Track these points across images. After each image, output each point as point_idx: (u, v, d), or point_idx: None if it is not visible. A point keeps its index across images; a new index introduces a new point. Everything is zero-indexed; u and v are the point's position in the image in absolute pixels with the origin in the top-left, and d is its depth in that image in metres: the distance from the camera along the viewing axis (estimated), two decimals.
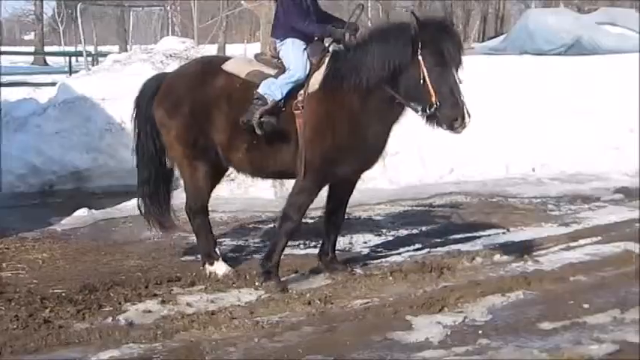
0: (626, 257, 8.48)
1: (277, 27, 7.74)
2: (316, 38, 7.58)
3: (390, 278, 7.59)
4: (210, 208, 8.38)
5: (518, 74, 17.87)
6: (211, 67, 7.80)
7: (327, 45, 7.57)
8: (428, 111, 7.01)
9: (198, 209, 7.81)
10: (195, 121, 7.54)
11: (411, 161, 13.02)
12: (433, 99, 6.94)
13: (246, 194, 11.41)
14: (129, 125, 12.45)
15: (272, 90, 7.28)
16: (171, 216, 8.26)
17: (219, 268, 7.70)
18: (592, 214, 10.77)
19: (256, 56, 7.99)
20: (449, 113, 6.94)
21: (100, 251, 8.59)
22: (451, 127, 7.03)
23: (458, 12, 62.27)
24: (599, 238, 9.35)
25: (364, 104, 7.31)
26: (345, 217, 9.35)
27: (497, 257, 8.38)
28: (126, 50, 26.44)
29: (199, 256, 8.04)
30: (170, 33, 38.43)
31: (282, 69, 7.44)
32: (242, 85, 7.49)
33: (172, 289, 7.22)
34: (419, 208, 10.96)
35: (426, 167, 12.87)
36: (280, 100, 7.27)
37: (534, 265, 8.18)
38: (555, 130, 15.26)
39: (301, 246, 8.90)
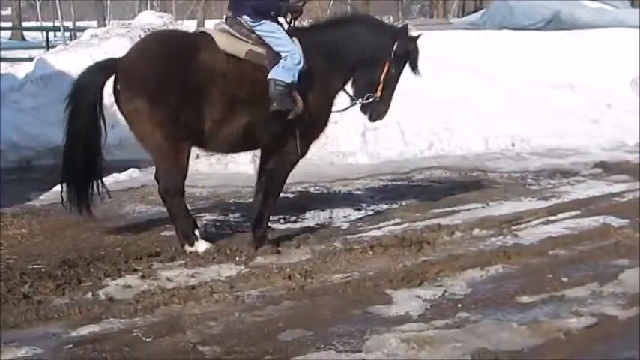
0: (604, 231, 8.54)
1: (243, 5, 7.80)
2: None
3: (370, 252, 7.60)
4: (189, 184, 8.39)
5: (497, 49, 17.93)
6: (192, 44, 7.65)
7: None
8: (366, 100, 8.24)
9: (178, 190, 7.66)
10: (189, 102, 7.35)
11: (391, 136, 13.03)
12: (378, 94, 8.21)
13: (225, 170, 11.41)
14: (107, 100, 12.38)
15: (286, 75, 7.57)
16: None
17: (200, 246, 7.62)
18: (571, 189, 10.82)
19: (222, 27, 7.93)
20: (381, 110, 8.37)
21: (79, 226, 8.50)
22: (372, 118, 8.54)
23: None
24: (578, 212, 9.40)
25: (337, 82, 8.19)
26: (325, 192, 9.42)
27: (476, 231, 8.40)
28: (104, 25, 26.26)
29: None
30: (149, 8, 38.21)
31: (265, 46, 7.69)
32: (244, 65, 7.63)
33: (152, 264, 7.19)
34: (398, 183, 10.99)
35: (405, 142, 12.90)
36: (292, 84, 7.59)
37: (513, 239, 8.22)
38: (534, 105, 15.33)
39: (281, 221, 8.92)
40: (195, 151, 10.23)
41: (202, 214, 9.10)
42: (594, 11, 25.29)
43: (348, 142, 10.66)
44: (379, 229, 8.61)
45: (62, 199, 7.93)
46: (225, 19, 8.08)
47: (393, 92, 8.40)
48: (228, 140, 7.73)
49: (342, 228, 8.71)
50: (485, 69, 16.93)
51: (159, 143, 7.47)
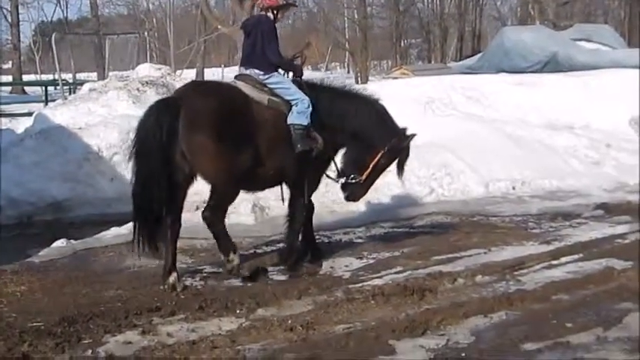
0: (607, 274, 8.50)
1: (256, 61, 8.75)
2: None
3: (372, 302, 7.56)
4: (190, 235, 8.47)
5: (495, 92, 17.97)
6: (236, 91, 8.57)
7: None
8: (350, 180, 9.15)
9: (224, 217, 8.56)
10: (244, 140, 8.17)
11: (391, 182, 12.98)
12: (364, 177, 9.12)
13: (226, 220, 11.34)
14: (106, 153, 12.50)
15: (301, 119, 8.56)
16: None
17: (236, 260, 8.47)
18: (573, 231, 10.77)
19: (242, 79, 8.78)
20: (360, 193, 9.40)
21: (79, 282, 8.46)
22: (348, 198, 9.49)
23: (435, 30, 62.70)
24: (581, 255, 9.36)
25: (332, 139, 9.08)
26: (326, 241, 9.41)
27: (479, 278, 8.36)
28: (104, 77, 26.36)
29: (180, 284, 8.09)
30: (148, 58, 38.41)
31: (278, 96, 8.66)
32: (269, 111, 8.54)
33: (152, 319, 7.14)
34: (400, 230, 10.93)
35: (405, 188, 12.84)
36: (310, 125, 8.60)
37: (516, 284, 8.18)
38: (534, 147, 15.33)
39: (282, 272, 8.86)
40: (195, 202, 10.28)
41: (203, 267, 9.05)
42: (591, 52, 25.41)
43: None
44: (381, 277, 8.57)
45: (133, 240, 8.19)
46: (236, 76, 8.92)
47: (374, 181, 9.36)
48: (264, 179, 8.67)
49: (344, 277, 8.66)
50: (484, 112, 16.98)
51: (222, 174, 8.15)
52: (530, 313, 7.22)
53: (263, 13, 9.01)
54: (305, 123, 8.56)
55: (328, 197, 11.74)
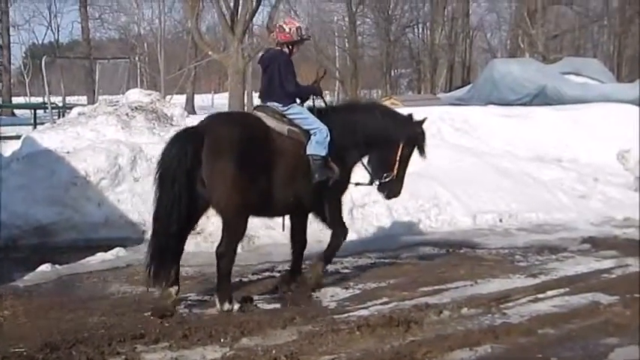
0: (593, 308, 8.50)
1: (275, 93, 9.13)
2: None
3: (358, 333, 7.51)
4: None
5: (484, 124, 18.03)
6: (257, 122, 8.85)
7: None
8: (384, 179, 9.65)
9: (233, 253, 8.49)
10: (264, 173, 8.45)
11: (379, 213, 13.01)
12: (394, 172, 9.60)
13: (212, 248, 11.19)
14: (94, 178, 12.45)
15: (319, 149, 8.93)
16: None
17: (235, 304, 8.34)
18: (559, 265, 10.78)
19: (261, 110, 9.17)
20: (397, 189, 9.79)
21: (63, 308, 8.40)
22: (388, 197, 9.95)
23: (425, 60, 62.89)
24: (567, 289, 9.35)
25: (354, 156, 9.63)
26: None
27: (464, 310, 8.33)
28: (94, 101, 26.33)
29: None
30: (138, 84, 38.43)
31: (297, 126, 9.01)
32: (290, 142, 8.85)
33: (136, 347, 7.09)
34: (386, 260, 10.90)
35: (393, 218, 12.86)
36: (327, 156, 8.96)
37: (502, 317, 8.15)
38: (521, 180, 15.37)
39: (267, 301, 8.83)
40: None
41: (188, 294, 8.98)
42: (580, 86, 25.55)
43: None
44: (367, 308, 8.52)
45: (147, 264, 8.27)
46: (256, 107, 9.46)
47: (405, 172, 9.79)
48: (285, 205, 8.94)
49: (329, 307, 8.63)
50: (472, 144, 17.04)
51: (235, 201, 8.27)
52: (515, 347, 7.20)
53: (278, 48, 9.36)
54: (323, 154, 8.94)
55: (314, 227, 11.72)
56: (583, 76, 27.10)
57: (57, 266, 10.22)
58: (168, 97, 31.44)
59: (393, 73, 64.57)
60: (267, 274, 9.74)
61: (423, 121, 9.90)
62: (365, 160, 9.74)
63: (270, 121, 8.89)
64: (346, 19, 61.22)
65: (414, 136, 9.75)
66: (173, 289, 8.31)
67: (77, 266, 10.35)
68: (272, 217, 10.14)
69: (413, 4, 64.70)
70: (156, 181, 8.29)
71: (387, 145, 9.60)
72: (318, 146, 8.94)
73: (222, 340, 7.27)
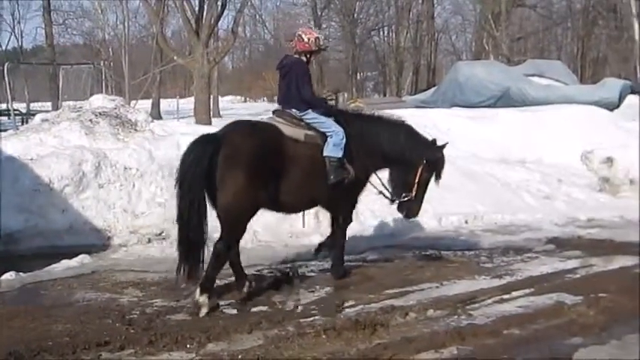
0: (558, 309, 8.56)
1: (293, 100, 9.65)
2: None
3: (324, 336, 7.53)
4: (141, 268, 8.38)
5: (449, 126, 18.10)
6: (273, 132, 9.22)
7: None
8: (403, 199, 10.14)
9: (232, 247, 8.94)
10: (273, 181, 8.86)
11: None
12: (412, 193, 10.08)
13: (170, 252, 11.25)
14: (57, 185, 12.34)
15: (336, 151, 9.44)
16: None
17: (204, 302, 8.43)
18: (524, 266, 10.84)
19: (279, 115, 9.69)
20: (415, 209, 10.27)
21: (27, 316, 8.30)
22: (407, 216, 10.42)
23: (391, 63, 63.12)
24: (532, 289, 9.41)
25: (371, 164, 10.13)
26: (279, 274, 9.40)
27: (430, 312, 8.36)
28: (58, 107, 26.13)
29: (130, 317, 8.02)
30: (103, 89, 38.15)
31: (314, 129, 9.54)
32: (305, 146, 9.34)
33: (101, 354, 7.05)
34: (352, 263, 10.88)
35: (359, 222, 12.87)
36: (343, 157, 9.48)
37: (468, 319, 8.19)
38: (486, 182, 15.44)
39: (232, 306, 8.80)
40: (147, 235, 10.20)
41: (153, 300, 8.95)
42: (544, 88, 25.72)
43: (302, 223, 10.62)
44: (333, 311, 8.54)
45: (178, 267, 8.66)
46: (274, 112, 9.85)
47: (424, 194, 10.27)
48: (300, 205, 9.68)
49: (296, 311, 8.61)
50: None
51: (241, 206, 8.67)
52: (481, 348, 7.24)
53: (297, 56, 9.86)
54: (339, 155, 9.46)
55: (281, 230, 11.74)
56: (547, 78, 27.31)
57: (21, 274, 10.10)
58: (133, 102, 31.31)
59: (358, 76, 64.76)
60: (232, 278, 9.69)
61: (443, 147, 10.39)
62: (385, 176, 10.30)
63: (287, 128, 9.36)
64: (312, 22, 61.28)
65: (434, 160, 10.20)
66: (245, 288, 9.18)
67: (41, 274, 10.24)
68: (289, 214, 10.42)
69: (378, 7, 65.04)
70: (176, 186, 8.67)
71: (407, 165, 10.07)
72: (334, 148, 9.46)
73: (188, 346, 7.26)
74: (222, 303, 8.73)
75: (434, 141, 10.32)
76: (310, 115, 9.61)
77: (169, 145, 13.59)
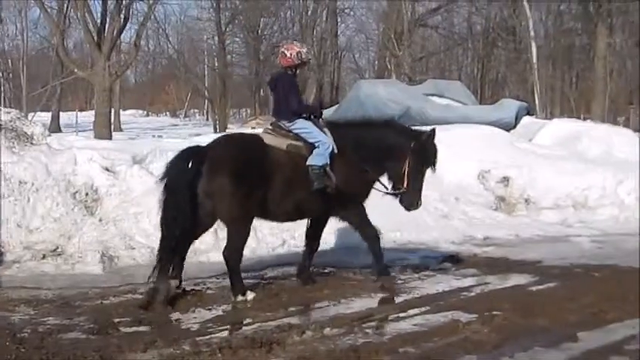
0: (453, 326, 8.62)
1: (282, 112, 10.36)
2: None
3: (219, 355, 7.45)
4: (34, 285, 8.21)
5: None
6: (255, 142, 10.08)
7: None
8: (393, 192, 10.72)
9: (240, 253, 9.84)
10: (260, 186, 9.59)
11: None
12: (405, 184, 10.53)
13: (72, 270, 11.05)
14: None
15: (318, 160, 9.93)
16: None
17: (249, 295, 9.70)
18: (421, 284, 10.94)
19: (273, 129, 10.37)
20: (411, 200, 10.75)
21: None
22: (407, 209, 10.95)
23: None
24: (428, 307, 9.49)
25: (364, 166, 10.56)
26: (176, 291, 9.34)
27: (327, 330, 8.36)
28: None
29: (21, 335, 7.87)
30: (1, 101, 37.40)
31: (302, 140, 10.12)
32: (289, 156, 9.99)
33: None
34: (251, 281, 10.81)
35: (258, 239, 12.83)
36: (326, 165, 9.98)
37: (364, 337, 8.19)
38: (384, 199, 15.52)
39: (128, 324, 8.67)
40: (41, 250, 10.00)
41: (46, 318, 8.74)
42: (443, 107, 26.08)
43: (200, 240, 10.55)
44: (229, 329, 8.50)
45: (156, 264, 9.57)
46: (271, 123, 10.55)
47: (419, 184, 10.70)
48: (285, 212, 10.16)
49: (192, 329, 8.52)
50: None
51: (234, 213, 9.58)
52: None
53: (283, 70, 10.51)
54: (320, 164, 9.94)
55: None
56: (446, 98, 27.67)
57: None
58: (30, 115, 30.73)
59: (262, 93, 64.73)
60: (129, 295, 9.56)
61: (430, 135, 10.72)
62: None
63: (271, 139, 10.07)
64: (216, 38, 61.20)
65: (419, 149, 10.51)
66: (174, 282, 9.63)
67: None
68: (280, 223, 11.35)
69: (282, 24, 65.20)
70: (161, 191, 9.45)
71: (396, 159, 10.48)
72: (318, 157, 9.95)
73: None
74: (116, 320, 8.56)
75: (420, 131, 10.79)
76: (297, 126, 10.17)
77: (66, 160, 13.34)
